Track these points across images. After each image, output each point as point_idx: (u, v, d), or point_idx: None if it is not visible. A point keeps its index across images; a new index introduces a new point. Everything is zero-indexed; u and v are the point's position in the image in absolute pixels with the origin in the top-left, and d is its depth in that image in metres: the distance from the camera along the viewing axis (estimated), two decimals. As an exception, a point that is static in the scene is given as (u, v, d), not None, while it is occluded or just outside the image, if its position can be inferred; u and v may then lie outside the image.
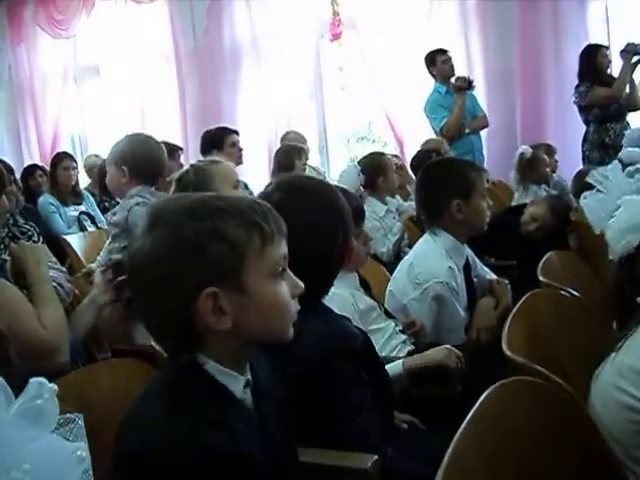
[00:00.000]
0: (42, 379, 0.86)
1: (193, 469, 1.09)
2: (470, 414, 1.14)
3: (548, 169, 5.10)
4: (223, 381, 1.22)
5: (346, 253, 1.76)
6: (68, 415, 0.89)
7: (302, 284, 1.30)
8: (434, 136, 5.88)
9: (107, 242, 3.08)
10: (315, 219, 1.67)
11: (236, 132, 5.10)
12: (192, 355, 1.22)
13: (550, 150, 5.50)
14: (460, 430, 1.10)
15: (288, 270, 1.28)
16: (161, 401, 1.20)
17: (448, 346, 2.12)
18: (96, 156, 6.52)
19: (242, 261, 1.18)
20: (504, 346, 1.53)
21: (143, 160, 2.98)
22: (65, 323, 2.19)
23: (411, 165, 4.64)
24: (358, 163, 4.46)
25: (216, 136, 5.08)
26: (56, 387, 0.87)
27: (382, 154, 4.67)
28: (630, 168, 2.14)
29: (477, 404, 1.18)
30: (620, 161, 3.10)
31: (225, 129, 5.18)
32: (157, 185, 4.39)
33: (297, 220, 1.62)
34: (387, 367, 2.13)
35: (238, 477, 1.13)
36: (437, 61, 5.97)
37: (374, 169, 4.30)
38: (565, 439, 1.31)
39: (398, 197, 4.70)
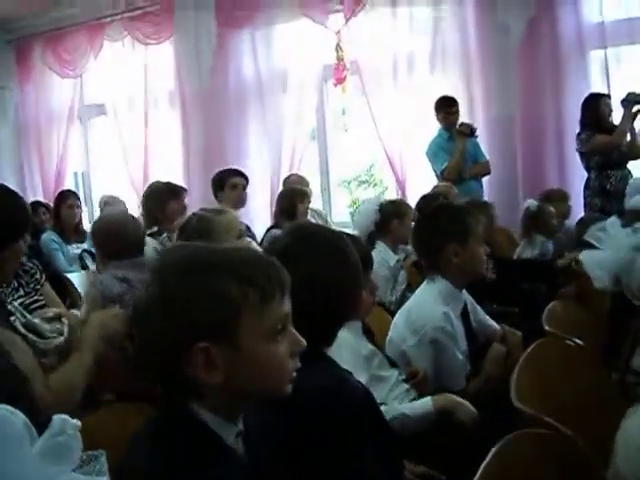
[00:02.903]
0: (65, 416, 0.86)
1: None
2: (482, 466, 1.14)
3: (555, 221, 5.10)
4: (217, 430, 1.22)
5: (356, 306, 1.75)
6: (91, 452, 0.89)
7: (304, 342, 1.28)
8: (435, 180, 5.94)
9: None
10: (324, 269, 1.66)
11: (241, 174, 5.12)
12: (186, 404, 1.22)
13: (564, 196, 5.52)
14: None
15: (290, 327, 1.26)
16: (156, 452, 1.18)
17: (474, 409, 2.12)
18: (110, 197, 6.52)
19: (236, 318, 1.18)
20: (513, 397, 1.53)
21: (107, 238, 3.04)
22: (76, 395, 2.14)
23: (417, 209, 4.66)
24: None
25: (220, 177, 5.13)
26: (79, 423, 0.87)
27: (406, 203, 4.68)
28: (631, 227, 2.16)
29: (489, 456, 1.17)
30: (620, 213, 3.14)
31: (230, 171, 5.23)
32: (160, 227, 4.43)
33: (306, 268, 1.62)
34: (415, 403, 2.15)
35: None
36: (445, 110, 6.07)
37: (392, 211, 4.30)
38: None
39: (409, 247, 4.68)
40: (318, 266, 1.66)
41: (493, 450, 1.20)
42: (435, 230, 2.76)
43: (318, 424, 1.51)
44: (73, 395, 2.13)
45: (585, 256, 2.08)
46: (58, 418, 0.85)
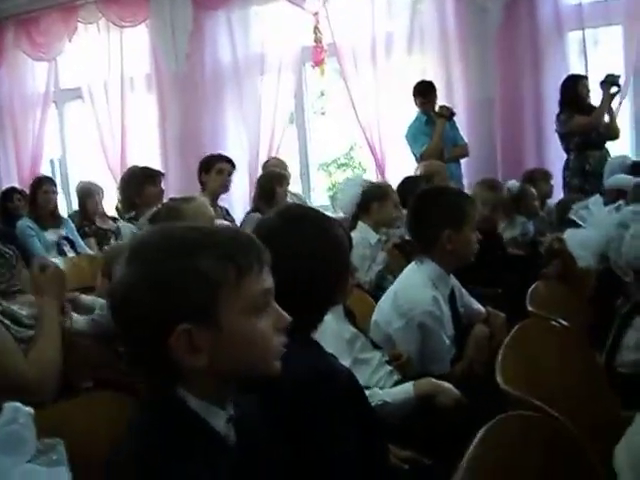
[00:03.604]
0: (17, 403, 0.83)
1: None
2: (470, 448, 1.12)
3: (536, 202, 5.12)
4: (205, 416, 1.19)
5: (343, 288, 1.73)
6: (47, 441, 0.85)
7: (288, 317, 1.26)
8: (414, 163, 5.94)
9: None
10: (312, 251, 1.65)
11: (230, 161, 5.09)
12: (171, 389, 1.19)
13: (546, 175, 5.55)
14: (462, 464, 1.08)
15: (273, 302, 1.24)
16: (141, 439, 1.16)
17: (457, 392, 2.11)
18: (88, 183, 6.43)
19: (215, 297, 1.15)
20: (499, 379, 1.51)
21: None
22: (56, 363, 2.14)
23: (398, 191, 4.63)
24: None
25: (208, 160, 5.10)
26: (32, 411, 0.84)
27: (389, 186, 4.64)
28: (614, 205, 2.15)
29: (476, 439, 1.15)
30: (599, 193, 3.14)
31: (219, 156, 5.20)
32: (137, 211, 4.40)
33: (294, 250, 1.61)
34: (396, 389, 2.13)
35: None
36: (422, 96, 6.07)
37: (374, 194, 4.27)
38: (562, 472, 1.30)
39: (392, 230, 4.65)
40: (307, 248, 1.64)
41: (480, 433, 1.19)
42: (430, 215, 2.72)
43: (305, 407, 1.49)
44: (55, 367, 2.11)
45: (569, 236, 2.07)
46: (9, 406, 0.82)
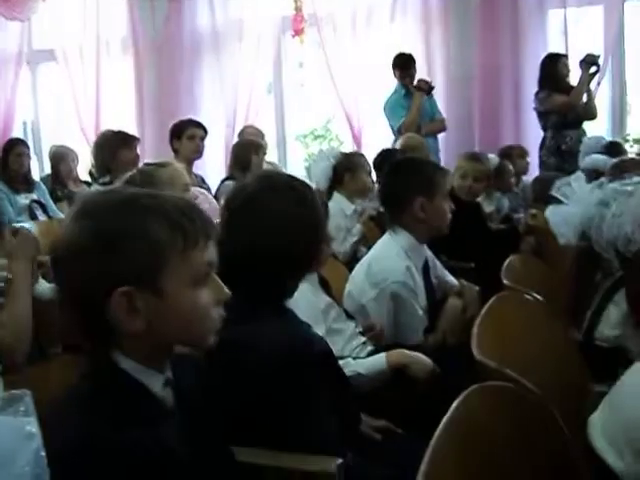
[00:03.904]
0: None
1: (114, 469, 1.06)
2: (444, 420, 1.12)
3: (513, 179, 5.15)
4: (140, 378, 1.19)
5: (317, 255, 1.73)
6: (14, 392, 0.83)
7: (228, 291, 1.26)
8: (392, 136, 5.94)
9: None
10: (294, 215, 1.65)
11: (201, 127, 5.03)
12: (107, 351, 1.18)
13: (523, 152, 5.61)
14: (435, 436, 1.08)
15: (214, 275, 1.25)
16: (76, 402, 1.16)
17: (430, 362, 2.11)
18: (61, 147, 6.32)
19: (161, 263, 1.15)
20: (475, 350, 1.51)
21: None
22: (28, 324, 2.13)
23: (374, 163, 4.61)
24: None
25: (179, 126, 5.03)
26: None
27: (360, 155, 4.62)
28: (596, 182, 2.15)
29: (451, 409, 1.15)
30: (581, 170, 3.15)
31: (190, 121, 5.12)
32: (112, 176, 4.33)
33: (272, 216, 1.61)
34: (369, 360, 2.13)
35: (160, 475, 1.10)
36: (401, 67, 6.06)
37: (344, 165, 4.24)
38: (535, 443, 1.30)
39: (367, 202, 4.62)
40: (286, 214, 1.64)
41: (454, 403, 1.18)
42: (402, 183, 2.73)
43: (276, 377, 1.49)
44: (27, 328, 2.11)
45: (550, 212, 2.07)
46: None
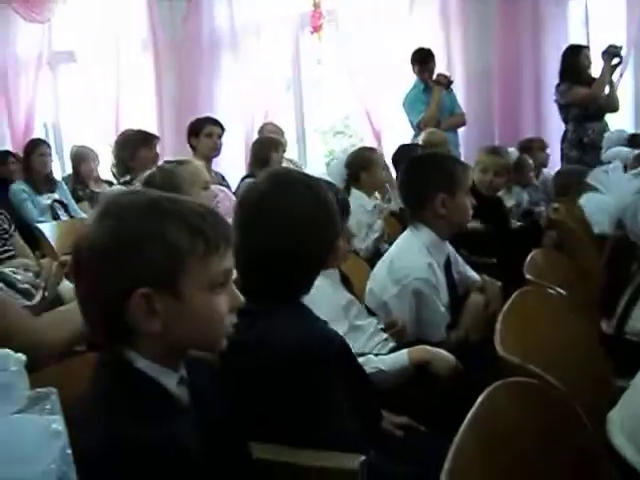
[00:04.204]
0: (8, 350, 0.80)
1: (130, 468, 1.07)
2: (469, 416, 1.11)
3: (532, 174, 5.11)
4: (155, 376, 1.20)
5: (332, 252, 1.72)
6: (40, 390, 0.83)
7: (242, 298, 1.28)
8: (411, 131, 5.93)
9: None
10: (304, 214, 1.64)
11: (218, 124, 5.04)
12: (121, 350, 1.20)
13: (543, 145, 5.59)
14: (460, 433, 1.07)
15: (231, 282, 1.26)
16: (93, 401, 1.17)
17: (453, 358, 2.10)
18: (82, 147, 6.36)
19: (181, 267, 1.17)
20: (497, 346, 1.49)
21: None
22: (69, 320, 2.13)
23: (393, 159, 4.59)
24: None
25: (196, 124, 5.05)
26: (24, 357, 0.82)
27: (371, 149, 4.59)
28: (634, 171, 2.12)
29: (475, 406, 1.14)
30: (601, 162, 3.11)
31: (207, 119, 5.15)
32: (132, 175, 4.36)
33: (285, 213, 1.60)
34: (391, 357, 2.12)
35: (178, 473, 1.11)
36: (420, 62, 6.04)
37: (358, 164, 4.24)
38: (559, 439, 1.29)
39: (377, 195, 4.62)
40: (295, 210, 1.64)
41: (479, 399, 1.17)
42: (423, 179, 2.70)
43: (287, 373, 1.49)
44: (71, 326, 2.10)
45: (585, 200, 2.04)
46: None
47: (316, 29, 6.70)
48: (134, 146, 4.59)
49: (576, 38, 6.10)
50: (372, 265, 2.91)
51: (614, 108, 5.73)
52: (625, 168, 2.34)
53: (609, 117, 5.75)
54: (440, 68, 6.15)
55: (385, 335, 2.40)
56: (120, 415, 1.11)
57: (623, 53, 5.61)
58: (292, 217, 1.63)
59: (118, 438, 1.07)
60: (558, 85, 5.73)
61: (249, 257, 1.59)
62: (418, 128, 5.82)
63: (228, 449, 1.32)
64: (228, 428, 1.34)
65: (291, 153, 6.43)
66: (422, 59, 6.03)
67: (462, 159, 5.31)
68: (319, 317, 1.71)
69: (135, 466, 1.06)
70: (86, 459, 1.04)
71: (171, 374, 1.23)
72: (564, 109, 5.75)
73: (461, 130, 6.24)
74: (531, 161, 5.08)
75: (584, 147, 5.57)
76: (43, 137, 7.58)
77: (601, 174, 2.07)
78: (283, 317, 1.39)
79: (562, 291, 2.03)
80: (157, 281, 1.15)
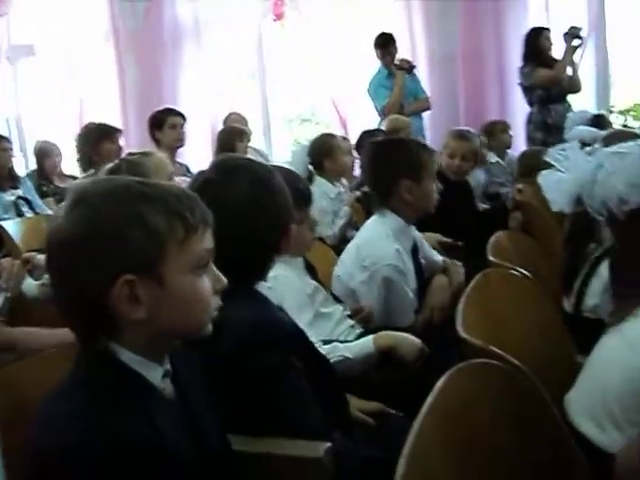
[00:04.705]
0: None
1: (112, 461, 1.05)
2: (429, 399, 1.11)
3: (484, 151, 5.15)
4: (138, 369, 1.18)
5: (283, 239, 1.70)
6: None
7: (225, 279, 1.26)
8: (377, 118, 5.92)
9: None
10: (249, 200, 1.62)
11: (180, 115, 5.00)
12: (105, 343, 1.17)
13: (506, 127, 5.64)
14: (420, 415, 1.06)
15: (212, 264, 1.24)
16: (74, 394, 1.15)
17: (418, 341, 2.09)
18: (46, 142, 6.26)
19: (162, 251, 1.15)
20: (459, 328, 1.49)
21: None
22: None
23: (357, 146, 4.58)
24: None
25: (158, 116, 4.99)
26: None
27: (332, 136, 4.56)
28: (588, 148, 2.12)
29: (436, 388, 1.14)
30: (565, 142, 3.11)
31: (169, 110, 5.08)
32: (96, 169, 4.31)
33: (230, 201, 1.59)
34: (357, 344, 2.11)
35: (161, 467, 1.09)
36: (382, 46, 6.06)
37: (320, 151, 4.22)
38: (523, 421, 1.29)
39: (344, 181, 4.61)
40: (243, 199, 1.62)
41: (439, 382, 1.17)
42: (388, 165, 2.69)
43: (238, 360, 1.48)
44: None
45: (543, 178, 2.03)
46: None
47: (279, 17, 6.68)
48: (97, 140, 4.57)
49: (537, 21, 6.13)
50: (339, 252, 2.91)
51: (576, 89, 5.79)
52: (583, 146, 2.36)
53: (572, 98, 5.80)
54: (404, 53, 6.16)
55: (352, 322, 2.40)
56: (101, 407, 1.10)
57: (583, 34, 5.64)
58: (238, 206, 1.60)
59: (98, 431, 1.06)
60: (521, 67, 5.78)
61: None
62: (382, 114, 5.83)
63: (213, 442, 1.31)
64: (212, 420, 1.33)
65: (257, 142, 6.40)
66: (384, 44, 6.05)
67: (428, 143, 5.35)
68: (273, 303, 1.70)
69: (114, 460, 1.05)
70: (62, 454, 1.04)
71: (155, 367, 1.21)
72: (528, 91, 5.79)
73: (426, 114, 6.26)
74: (484, 138, 5.12)
75: (548, 128, 5.61)
76: (5, 133, 7.47)
77: (558, 152, 2.06)
78: (236, 303, 1.37)
79: (526, 272, 2.04)
80: (138, 267, 1.13)
